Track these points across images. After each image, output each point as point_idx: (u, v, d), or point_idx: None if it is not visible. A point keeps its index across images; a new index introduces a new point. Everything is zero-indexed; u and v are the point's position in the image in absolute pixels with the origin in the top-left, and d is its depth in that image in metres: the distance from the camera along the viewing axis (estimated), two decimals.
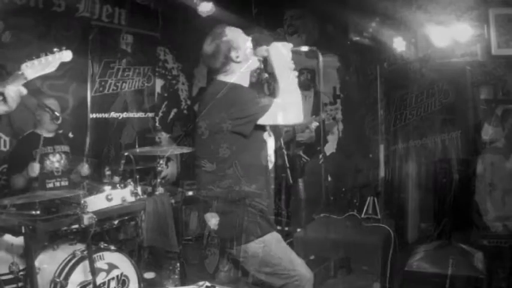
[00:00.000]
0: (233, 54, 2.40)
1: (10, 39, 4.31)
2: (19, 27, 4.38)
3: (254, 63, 2.48)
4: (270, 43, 2.41)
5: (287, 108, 2.31)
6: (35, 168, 3.57)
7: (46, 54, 2.10)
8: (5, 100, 1.99)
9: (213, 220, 2.36)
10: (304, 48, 2.40)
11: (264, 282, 2.34)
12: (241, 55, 2.42)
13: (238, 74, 2.44)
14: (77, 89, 5.01)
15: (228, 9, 5.00)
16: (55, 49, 2.13)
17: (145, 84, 5.82)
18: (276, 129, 2.56)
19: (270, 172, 2.49)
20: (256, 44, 2.49)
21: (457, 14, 4.26)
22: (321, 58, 2.39)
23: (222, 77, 2.44)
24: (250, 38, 2.49)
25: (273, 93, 2.46)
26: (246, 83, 2.47)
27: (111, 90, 5.41)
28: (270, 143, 2.49)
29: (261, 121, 2.31)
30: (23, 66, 2.04)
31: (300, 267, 2.38)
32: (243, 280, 2.37)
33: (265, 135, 2.44)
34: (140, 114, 5.77)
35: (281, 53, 2.36)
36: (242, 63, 2.43)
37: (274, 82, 2.41)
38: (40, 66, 2.08)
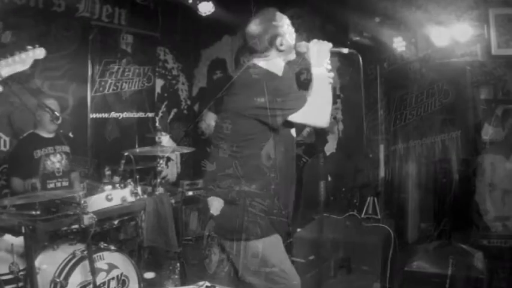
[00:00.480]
0: (278, 41, 2.35)
1: (10, 39, 4.31)
2: (19, 27, 4.39)
3: (293, 56, 2.44)
4: (311, 40, 2.36)
5: (317, 109, 2.28)
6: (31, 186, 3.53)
7: (19, 52, 2.10)
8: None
9: (215, 203, 2.33)
10: (345, 50, 2.35)
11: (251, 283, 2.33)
12: (286, 44, 2.37)
13: (277, 63, 2.40)
14: (77, 89, 5.01)
15: (228, 9, 5.01)
16: (28, 46, 2.13)
17: (146, 84, 5.83)
18: (298, 127, 2.51)
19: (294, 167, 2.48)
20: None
21: (457, 14, 4.26)
22: (361, 61, 2.35)
23: (262, 63, 2.38)
24: (291, 27, 2.43)
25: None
26: (280, 73, 2.42)
27: (111, 90, 5.41)
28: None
29: (292, 117, 2.28)
30: None
31: (290, 276, 2.35)
32: (243, 280, 2.37)
33: (293, 131, 2.42)
34: (140, 114, 5.77)
35: (321, 52, 2.32)
36: (283, 53, 2.39)
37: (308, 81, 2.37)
38: (13, 64, 2.08)
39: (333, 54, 2.36)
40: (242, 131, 2.31)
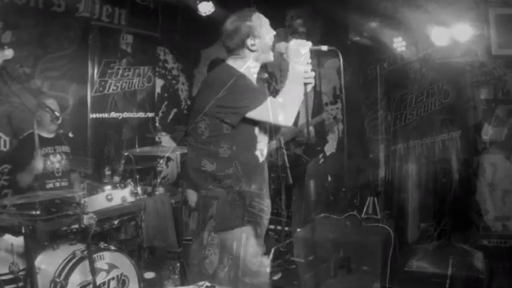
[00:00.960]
0: (249, 42, 2.37)
1: (10, 39, 4.31)
2: (19, 27, 4.38)
3: (268, 57, 2.44)
4: (289, 41, 2.37)
5: (284, 108, 2.28)
6: (38, 165, 3.54)
7: None
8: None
9: (191, 196, 2.36)
10: (324, 48, 2.35)
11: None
12: (258, 45, 2.38)
13: (249, 63, 2.41)
14: (77, 89, 5.01)
15: (228, 9, 5.00)
16: None
17: (146, 84, 5.82)
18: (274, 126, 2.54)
19: (264, 167, 2.48)
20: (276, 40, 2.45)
21: (457, 14, 4.26)
22: (341, 58, 2.35)
23: (231, 61, 2.42)
24: (274, 32, 2.44)
25: (273, 93, 2.44)
26: (252, 74, 2.43)
27: (111, 90, 5.41)
28: (263, 139, 2.47)
29: (251, 115, 2.28)
30: None
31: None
32: (243, 280, 2.37)
33: (256, 130, 2.41)
34: (140, 114, 5.77)
35: (299, 52, 2.32)
36: (257, 53, 2.40)
37: (276, 82, 2.40)
38: None
39: (314, 52, 2.36)
40: (210, 130, 2.34)
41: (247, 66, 2.42)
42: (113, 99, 5.43)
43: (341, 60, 2.34)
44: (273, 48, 2.42)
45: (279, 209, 4.40)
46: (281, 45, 2.39)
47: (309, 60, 2.34)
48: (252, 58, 2.41)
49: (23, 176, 3.69)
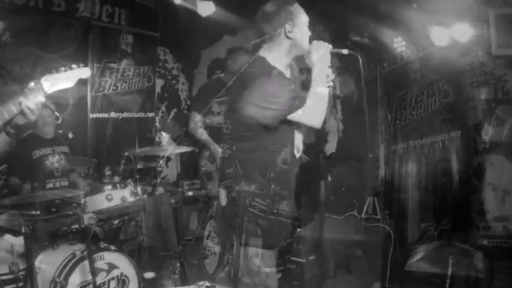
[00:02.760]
0: (288, 27, 2.31)
1: (10, 39, 4.31)
2: (19, 27, 4.38)
3: (302, 50, 2.40)
4: (311, 42, 2.35)
5: (314, 110, 2.29)
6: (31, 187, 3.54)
7: (65, 70, 2.12)
8: (23, 113, 2.02)
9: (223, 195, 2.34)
10: (345, 51, 2.35)
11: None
12: (294, 32, 2.33)
13: (283, 53, 2.37)
14: (77, 89, 5.00)
15: (228, 9, 5.00)
16: (73, 65, 2.15)
17: (146, 84, 5.82)
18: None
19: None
20: None
21: (457, 14, 4.25)
22: (361, 61, 2.35)
23: (265, 52, 2.35)
24: (307, 22, 2.40)
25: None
26: (286, 67, 2.41)
27: (111, 90, 5.41)
28: (298, 137, 2.48)
29: (291, 117, 2.29)
30: (42, 79, 2.06)
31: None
32: (243, 280, 2.37)
33: (293, 130, 2.42)
34: (140, 114, 5.77)
35: (323, 53, 2.32)
36: (292, 43, 2.36)
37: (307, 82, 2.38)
38: (59, 81, 2.10)
39: (333, 54, 2.36)
40: (240, 129, 2.31)
41: (282, 58, 2.37)
42: (104, 98, 5.40)
43: (361, 63, 2.34)
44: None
45: (279, 209, 4.40)
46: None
47: (329, 64, 2.34)
48: (286, 49, 2.36)
49: (14, 181, 3.70)
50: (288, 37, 2.33)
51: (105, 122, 5.38)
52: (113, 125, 5.44)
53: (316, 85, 2.32)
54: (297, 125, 2.43)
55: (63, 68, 2.11)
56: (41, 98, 2.04)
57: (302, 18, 2.38)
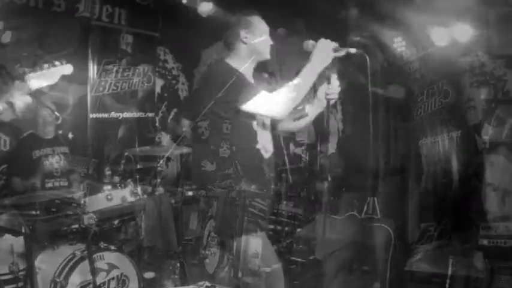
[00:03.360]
0: (243, 34, 2.46)
1: (10, 39, 4.31)
2: (19, 27, 4.39)
3: (264, 55, 2.51)
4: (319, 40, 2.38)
5: (270, 99, 2.32)
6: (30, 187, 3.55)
7: (48, 67, 2.14)
8: (12, 108, 2.04)
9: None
10: (352, 50, 2.36)
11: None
12: (250, 38, 2.46)
13: (244, 59, 2.47)
14: (77, 89, 5.01)
15: (228, 9, 5.00)
16: (56, 62, 2.17)
17: (146, 84, 5.82)
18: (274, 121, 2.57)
19: (268, 163, 2.48)
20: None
21: (457, 14, 4.25)
22: (368, 61, 2.36)
23: (228, 59, 2.50)
24: (267, 32, 2.52)
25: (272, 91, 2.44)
26: (248, 70, 2.48)
27: (111, 90, 5.41)
28: (264, 134, 2.48)
29: (245, 107, 2.32)
30: (26, 76, 2.08)
31: None
32: (243, 280, 2.37)
33: (254, 124, 2.44)
34: (140, 114, 5.77)
35: (326, 52, 2.34)
36: (250, 49, 2.47)
37: (276, 82, 2.42)
38: (43, 77, 2.12)
39: (340, 53, 2.36)
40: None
41: (241, 62, 2.48)
42: (102, 98, 5.40)
43: (368, 63, 2.34)
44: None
45: (279, 209, 4.40)
46: (308, 44, 2.40)
47: (336, 75, 2.42)
48: (247, 55, 2.48)
49: (15, 181, 3.70)
50: (243, 42, 2.47)
51: (117, 123, 5.41)
52: (125, 126, 5.47)
53: (304, 80, 2.33)
54: (261, 123, 2.45)
55: (46, 65, 2.14)
56: (26, 95, 2.07)
57: (260, 27, 2.51)
